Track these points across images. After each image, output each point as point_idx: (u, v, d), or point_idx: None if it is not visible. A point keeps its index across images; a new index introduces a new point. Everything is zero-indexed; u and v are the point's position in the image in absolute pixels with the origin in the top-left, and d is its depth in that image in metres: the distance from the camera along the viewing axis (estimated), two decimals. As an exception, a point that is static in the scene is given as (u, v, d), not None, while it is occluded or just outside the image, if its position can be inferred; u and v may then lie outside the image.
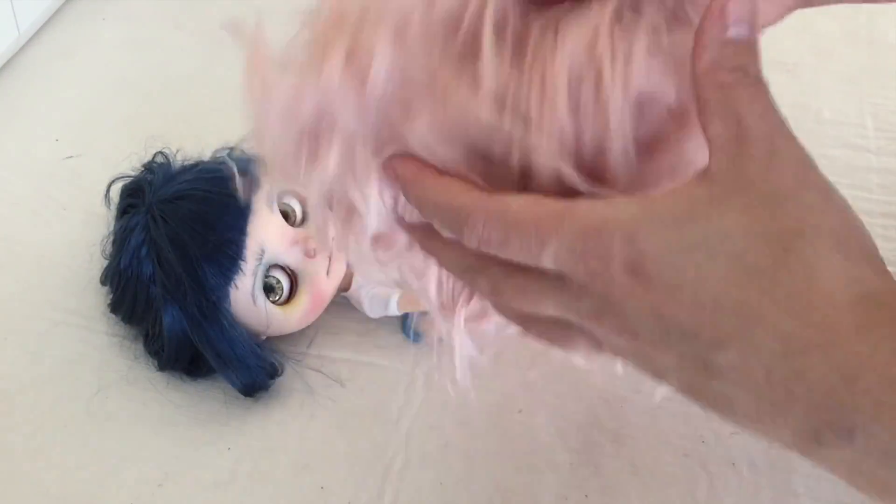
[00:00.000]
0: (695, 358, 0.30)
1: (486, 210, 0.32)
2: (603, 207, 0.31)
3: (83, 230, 0.65)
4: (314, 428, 0.54)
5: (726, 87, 0.31)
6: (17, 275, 0.63)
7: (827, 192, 0.31)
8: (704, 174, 0.30)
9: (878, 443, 0.27)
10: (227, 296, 0.53)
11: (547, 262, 0.31)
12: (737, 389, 0.30)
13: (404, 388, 0.55)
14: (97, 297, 0.61)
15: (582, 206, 0.31)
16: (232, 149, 0.64)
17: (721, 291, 0.29)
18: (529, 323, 0.35)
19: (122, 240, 0.55)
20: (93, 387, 0.56)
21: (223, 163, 0.59)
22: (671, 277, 0.29)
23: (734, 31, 0.32)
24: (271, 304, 0.55)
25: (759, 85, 0.32)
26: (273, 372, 0.55)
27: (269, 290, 0.54)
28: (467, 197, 0.33)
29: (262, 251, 0.53)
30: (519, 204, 0.32)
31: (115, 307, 0.58)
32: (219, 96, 0.79)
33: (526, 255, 0.32)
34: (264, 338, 0.56)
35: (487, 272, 0.34)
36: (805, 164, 0.31)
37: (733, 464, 0.51)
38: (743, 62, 0.32)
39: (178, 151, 0.61)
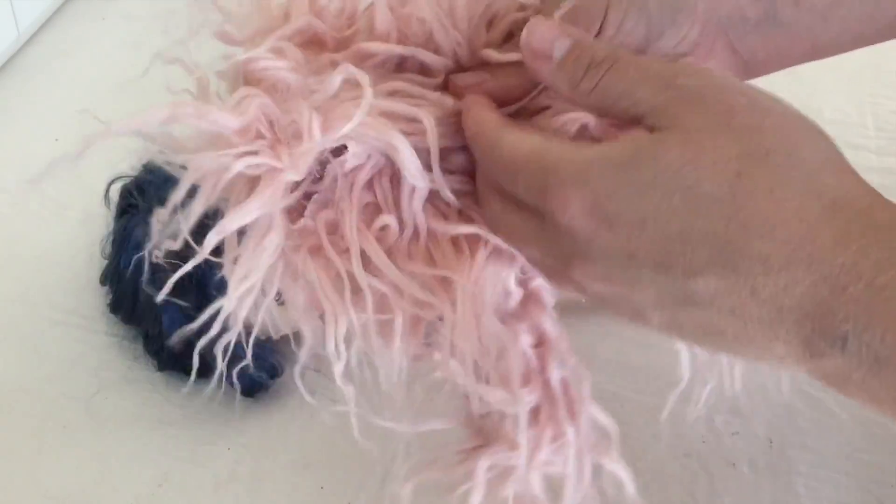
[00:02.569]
0: (673, 291, 0.31)
1: (490, 140, 0.34)
2: (565, 150, 0.32)
3: (82, 230, 0.65)
4: (314, 428, 0.54)
5: (596, 89, 0.33)
6: (17, 275, 0.63)
7: (769, 110, 0.31)
8: (643, 123, 0.32)
9: (870, 350, 0.28)
10: (227, 296, 0.53)
11: (522, 194, 0.33)
12: (722, 314, 0.30)
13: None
14: (97, 297, 0.61)
15: (552, 147, 0.32)
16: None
17: (685, 224, 0.30)
18: (531, 261, 0.36)
19: (121, 240, 0.55)
20: (92, 387, 0.56)
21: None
22: (632, 216, 0.30)
23: (558, 52, 0.34)
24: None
25: (623, 58, 0.33)
26: (273, 372, 0.55)
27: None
28: (488, 126, 0.35)
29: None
30: (513, 137, 0.34)
31: (115, 307, 0.58)
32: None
33: (508, 187, 0.34)
34: (264, 338, 0.56)
35: (490, 205, 0.35)
36: (735, 90, 0.32)
37: (733, 464, 0.51)
38: (592, 61, 0.33)
39: (177, 151, 0.61)
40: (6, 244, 0.66)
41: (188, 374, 0.56)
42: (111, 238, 0.58)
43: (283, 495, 0.51)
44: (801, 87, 0.77)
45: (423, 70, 0.39)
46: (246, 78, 0.37)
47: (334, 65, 0.37)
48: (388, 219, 0.36)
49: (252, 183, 0.36)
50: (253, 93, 0.35)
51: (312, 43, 0.38)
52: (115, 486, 0.51)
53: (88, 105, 0.78)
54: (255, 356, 0.54)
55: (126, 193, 0.59)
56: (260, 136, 0.35)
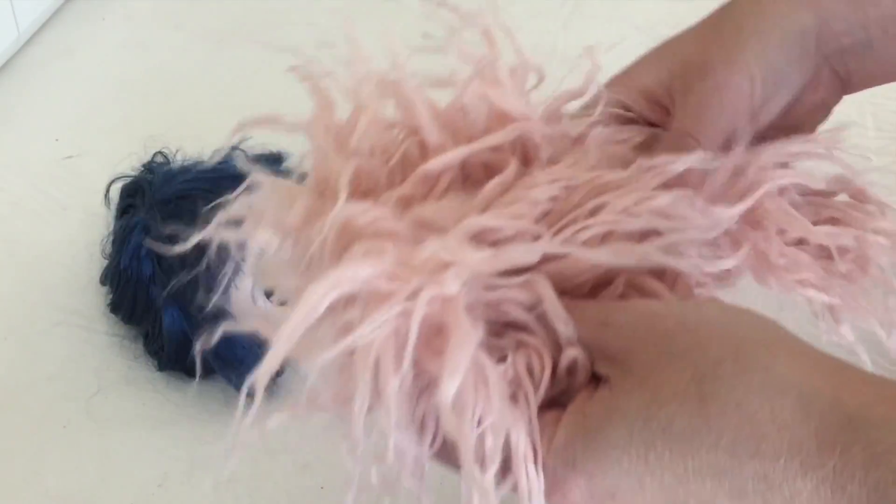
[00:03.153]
0: None
1: None
2: (546, 440, 0.33)
3: (83, 230, 0.65)
4: (314, 428, 0.54)
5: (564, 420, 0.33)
6: (17, 275, 0.64)
7: (700, 321, 0.33)
8: (595, 373, 0.33)
9: None
10: (227, 296, 0.53)
11: None
12: None
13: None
14: (97, 297, 0.61)
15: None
16: (232, 149, 0.64)
17: (678, 467, 0.30)
18: None
19: (121, 240, 0.55)
20: (93, 387, 0.56)
21: (223, 163, 0.59)
22: (629, 482, 0.31)
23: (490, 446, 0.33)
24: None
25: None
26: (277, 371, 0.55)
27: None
28: None
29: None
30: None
31: (115, 307, 0.58)
32: (219, 96, 0.79)
33: None
34: (264, 338, 0.56)
35: None
36: (662, 314, 0.33)
37: (733, 464, 0.51)
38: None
39: (177, 151, 0.61)
40: (6, 244, 0.66)
41: (188, 374, 0.56)
42: (111, 238, 0.58)
43: (283, 495, 0.51)
44: (800, 87, 0.77)
45: (489, 168, 0.38)
46: (345, 235, 0.36)
47: (402, 200, 0.37)
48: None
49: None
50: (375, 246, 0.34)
51: (363, 192, 0.38)
52: (115, 486, 0.51)
53: (88, 105, 0.78)
54: (256, 356, 0.54)
55: (126, 193, 0.59)
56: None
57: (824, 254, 0.41)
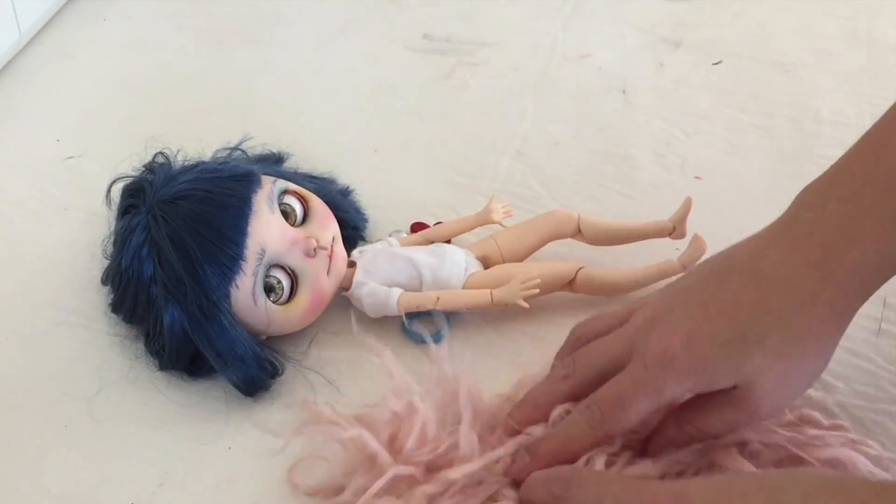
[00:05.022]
0: None
1: None
2: None
3: (84, 230, 0.66)
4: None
5: None
6: (18, 275, 0.64)
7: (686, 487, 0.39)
8: None
9: None
10: (227, 295, 0.53)
11: None
12: None
13: (404, 387, 0.55)
14: (98, 297, 0.61)
15: None
16: (232, 149, 0.64)
17: None
18: None
19: (122, 240, 0.55)
20: (93, 387, 0.56)
21: (224, 163, 0.59)
22: None
23: None
24: (272, 304, 0.55)
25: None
26: (273, 372, 0.55)
27: (269, 289, 0.54)
28: None
29: (263, 251, 0.54)
30: None
31: (116, 307, 0.58)
32: (219, 96, 0.80)
33: None
34: (265, 337, 0.56)
35: None
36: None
37: (732, 463, 0.51)
38: None
39: (178, 151, 0.61)
40: (8, 244, 0.66)
41: (189, 373, 0.56)
42: (112, 238, 0.58)
43: (283, 495, 0.51)
44: (799, 88, 0.77)
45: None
46: None
47: (428, 498, 0.45)
48: None
49: None
50: None
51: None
52: (115, 485, 0.51)
53: (89, 106, 0.78)
54: (256, 356, 0.54)
55: (128, 194, 0.59)
56: None
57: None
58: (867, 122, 0.71)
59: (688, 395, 0.45)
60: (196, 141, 0.62)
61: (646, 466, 0.45)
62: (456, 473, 0.45)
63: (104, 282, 0.60)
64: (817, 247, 0.42)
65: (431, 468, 0.46)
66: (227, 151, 0.63)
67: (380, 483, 0.45)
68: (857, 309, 0.44)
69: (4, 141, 0.75)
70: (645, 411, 0.44)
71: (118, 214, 0.59)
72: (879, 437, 0.49)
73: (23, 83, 0.81)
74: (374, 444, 0.46)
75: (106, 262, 0.59)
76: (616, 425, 0.44)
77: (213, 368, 0.54)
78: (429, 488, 0.45)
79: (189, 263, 0.52)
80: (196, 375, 0.56)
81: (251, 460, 0.52)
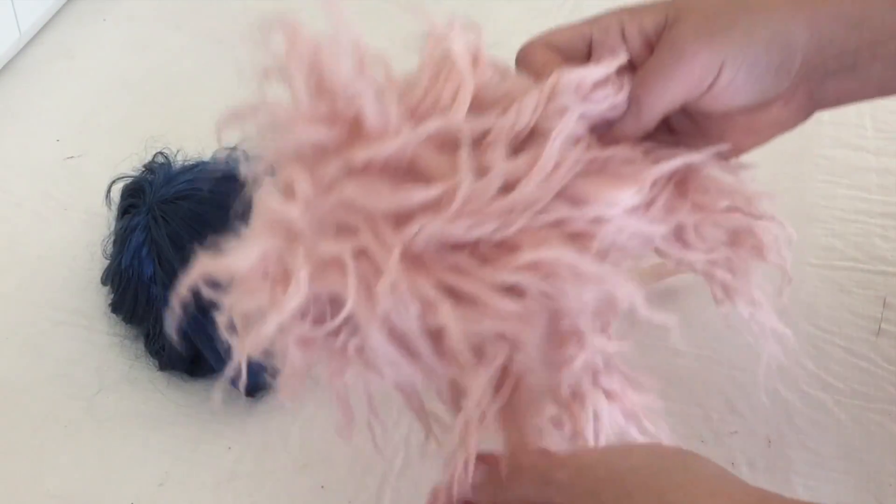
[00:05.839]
0: None
1: None
2: None
3: (84, 230, 0.66)
4: (314, 428, 0.54)
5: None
6: (18, 275, 0.64)
7: (630, 469, 0.36)
8: None
9: None
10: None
11: None
12: None
13: (404, 387, 0.55)
14: (98, 297, 0.61)
15: None
16: (232, 149, 0.64)
17: None
18: None
19: (122, 240, 0.55)
20: (93, 387, 0.56)
21: (224, 163, 0.59)
22: None
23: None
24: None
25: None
26: (274, 371, 0.55)
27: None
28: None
29: None
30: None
31: (116, 307, 0.58)
32: (219, 96, 0.79)
33: None
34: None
35: None
36: (597, 465, 0.37)
37: (733, 464, 0.51)
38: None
39: (178, 151, 0.61)
40: (8, 244, 0.66)
41: (189, 374, 0.56)
42: (113, 238, 0.58)
43: (283, 495, 0.51)
44: (800, 87, 0.77)
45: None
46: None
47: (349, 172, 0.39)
48: None
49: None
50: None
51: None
52: (115, 485, 0.51)
53: (89, 106, 0.78)
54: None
55: (127, 194, 0.59)
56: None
57: (728, 240, 0.43)
58: (867, 123, 0.71)
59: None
60: (196, 141, 0.62)
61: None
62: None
63: (104, 282, 0.60)
64: None
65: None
66: (227, 151, 0.63)
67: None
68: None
69: (4, 141, 0.75)
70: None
71: (118, 214, 0.59)
72: (878, 438, 0.49)
73: (23, 83, 0.81)
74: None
75: (106, 262, 0.59)
76: None
77: (213, 368, 0.54)
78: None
79: (189, 263, 0.52)
80: (196, 376, 0.56)
81: (251, 460, 0.52)
